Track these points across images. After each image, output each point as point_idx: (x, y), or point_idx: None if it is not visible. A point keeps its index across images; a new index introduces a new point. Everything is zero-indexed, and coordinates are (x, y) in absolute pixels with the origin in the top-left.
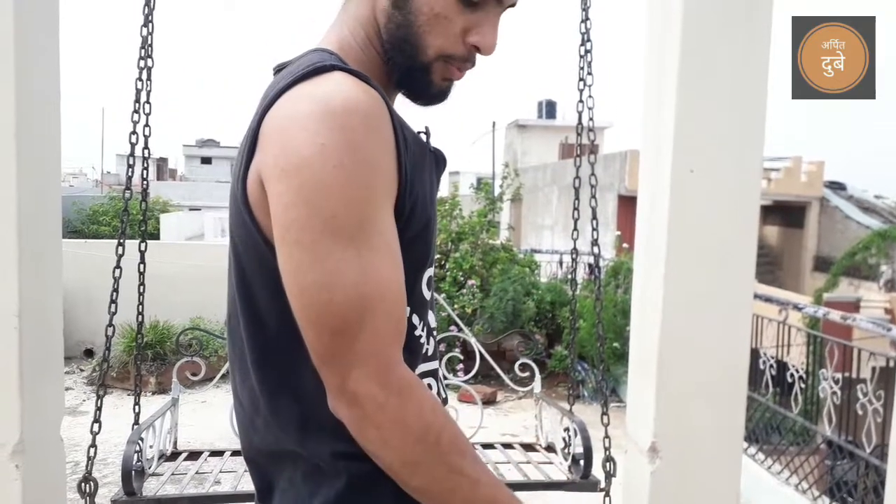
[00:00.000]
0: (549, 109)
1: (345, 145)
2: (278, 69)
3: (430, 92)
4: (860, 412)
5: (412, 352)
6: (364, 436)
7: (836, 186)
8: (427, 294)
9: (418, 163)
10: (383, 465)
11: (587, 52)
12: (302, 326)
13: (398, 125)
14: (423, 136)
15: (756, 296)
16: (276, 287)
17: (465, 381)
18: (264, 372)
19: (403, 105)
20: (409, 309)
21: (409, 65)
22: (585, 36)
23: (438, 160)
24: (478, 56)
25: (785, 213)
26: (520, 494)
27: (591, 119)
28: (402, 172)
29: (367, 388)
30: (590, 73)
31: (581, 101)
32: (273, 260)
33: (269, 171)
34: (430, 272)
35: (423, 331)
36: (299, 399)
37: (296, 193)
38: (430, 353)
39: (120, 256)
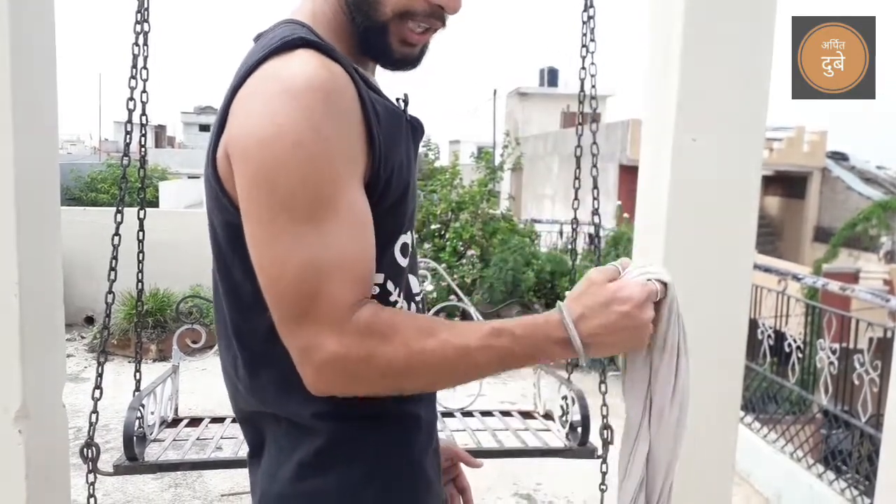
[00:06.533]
0: (552, 77)
1: (304, 124)
2: (257, 38)
3: (390, 56)
4: (856, 382)
5: None
6: (345, 389)
7: (839, 157)
8: (403, 261)
9: (393, 134)
10: (379, 395)
11: (590, 18)
12: (266, 299)
13: (367, 99)
14: (402, 104)
15: (755, 266)
16: (248, 258)
17: None
18: (243, 340)
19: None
20: (382, 276)
21: (366, 24)
22: (588, 1)
23: (415, 128)
24: (449, 17)
25: (786, 184)
26: (518, 461)
27: (593, 87)
28: (374, 146)
29: (327, 350)
30: (592, 40)
31: (583, 68)
32: (243, 232)
33: (233, 150)
34: (404, 238)
35: (398, 296)
36: (279, 364)
37: (255, 173)
38: None
39: (119, 224)
